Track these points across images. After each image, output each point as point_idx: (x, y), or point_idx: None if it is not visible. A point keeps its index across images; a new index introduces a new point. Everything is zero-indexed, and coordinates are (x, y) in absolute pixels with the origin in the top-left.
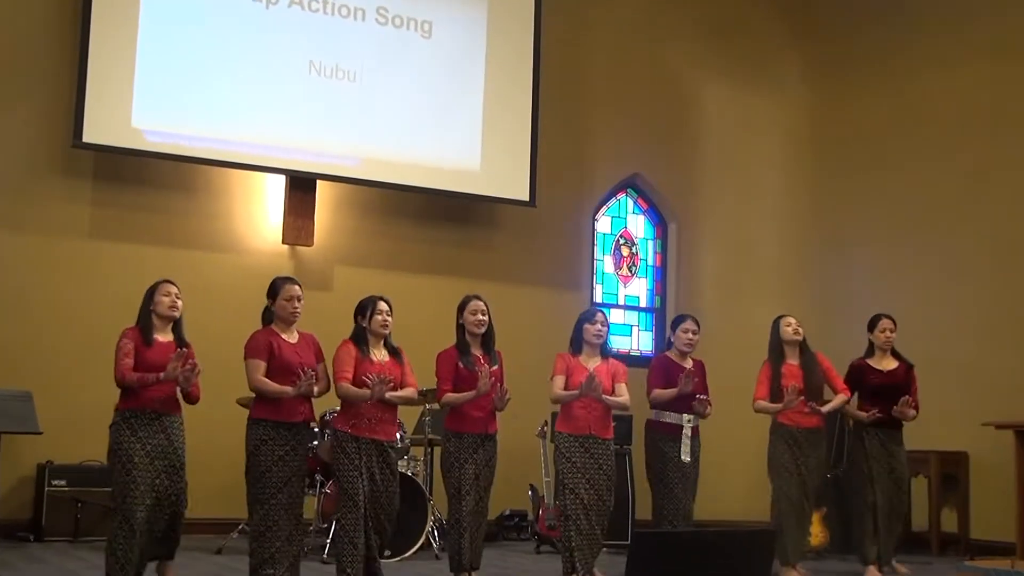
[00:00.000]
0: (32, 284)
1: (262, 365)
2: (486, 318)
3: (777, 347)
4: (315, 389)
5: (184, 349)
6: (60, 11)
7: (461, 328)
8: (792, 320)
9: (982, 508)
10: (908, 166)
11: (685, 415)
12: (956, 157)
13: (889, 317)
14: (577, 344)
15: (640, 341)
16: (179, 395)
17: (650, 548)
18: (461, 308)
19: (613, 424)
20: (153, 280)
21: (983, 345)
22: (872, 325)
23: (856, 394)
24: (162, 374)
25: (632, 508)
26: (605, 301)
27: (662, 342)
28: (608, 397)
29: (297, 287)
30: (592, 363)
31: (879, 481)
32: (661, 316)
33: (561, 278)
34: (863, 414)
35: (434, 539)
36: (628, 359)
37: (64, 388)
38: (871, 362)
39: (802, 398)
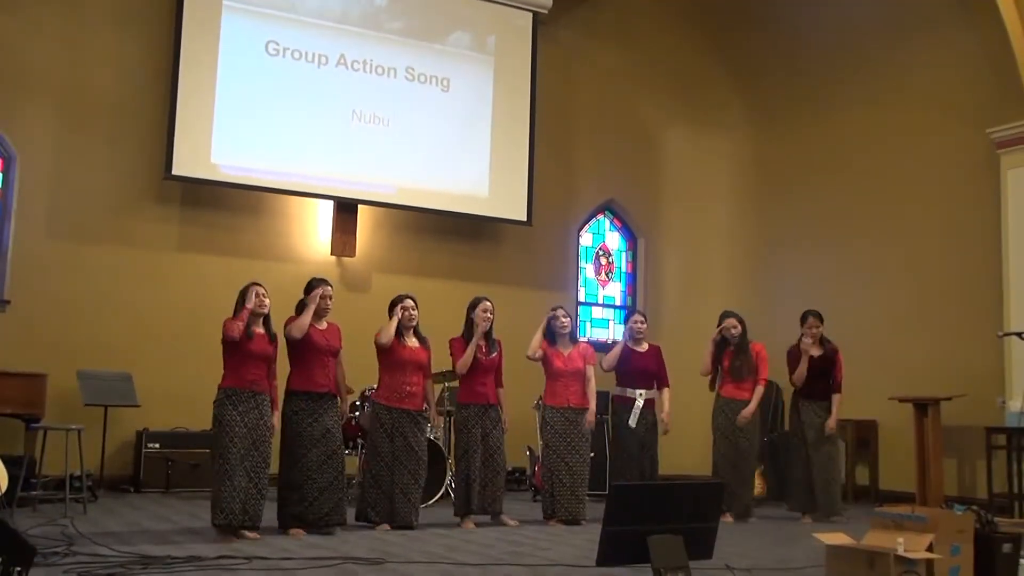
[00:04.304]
0: (132, 287)
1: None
2: (492, 316)
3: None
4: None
5: None
6: (155, 73)
7: (470, 322)
8: (733, 320)
9: (888, 465)
10: (831, 188)
11: (638, 390)
12: (870, 179)
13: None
14: (551, 335)
15: (615, 332)
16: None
17: (624, 497)
18: (473, 306)
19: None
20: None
21: (890, 334)
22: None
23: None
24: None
25: (609, 465)
26: (587, 300)
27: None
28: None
29: (330, 287)
30: (566, 350)
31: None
32: (632, 312)
33: (552, 282)
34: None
35: (451, 491)
36: (606, 347)
37: (157, 370)
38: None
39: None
